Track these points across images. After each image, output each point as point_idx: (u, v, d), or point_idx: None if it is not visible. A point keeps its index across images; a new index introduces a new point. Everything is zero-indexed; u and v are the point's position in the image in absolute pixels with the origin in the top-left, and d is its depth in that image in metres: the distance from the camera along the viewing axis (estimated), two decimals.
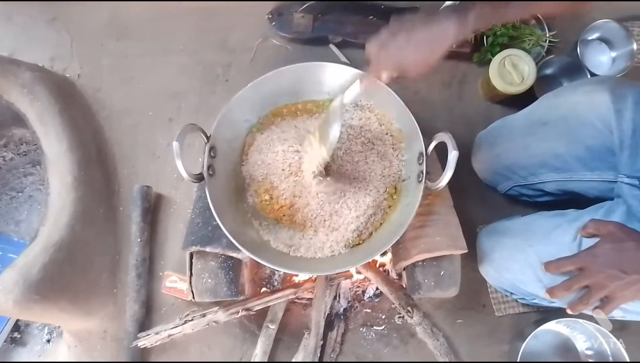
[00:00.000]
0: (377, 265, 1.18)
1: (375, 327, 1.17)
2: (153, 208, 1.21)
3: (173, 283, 1.15)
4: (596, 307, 0.76)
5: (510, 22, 1.21)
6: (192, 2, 1.35)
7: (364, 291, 1.20)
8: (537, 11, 0.71)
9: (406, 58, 0.69)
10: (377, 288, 1.17)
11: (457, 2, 0.69)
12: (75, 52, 1.34)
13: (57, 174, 1.10)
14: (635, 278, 0.69)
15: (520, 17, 0.68)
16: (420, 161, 0.84)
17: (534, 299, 0.97)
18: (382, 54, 0.70)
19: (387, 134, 0.92)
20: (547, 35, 1.27)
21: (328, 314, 1.13)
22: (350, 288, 1.20)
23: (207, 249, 0.90)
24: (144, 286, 1.15)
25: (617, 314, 0.80)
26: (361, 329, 1.16)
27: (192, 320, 1.03)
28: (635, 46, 1.24)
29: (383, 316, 1.18)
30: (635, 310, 0.79)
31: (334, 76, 0.91)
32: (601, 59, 1.31)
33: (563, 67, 1.28)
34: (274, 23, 1.30)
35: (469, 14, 0.67)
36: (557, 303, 0.85)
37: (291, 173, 0.87)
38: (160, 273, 1.18)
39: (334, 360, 1.13)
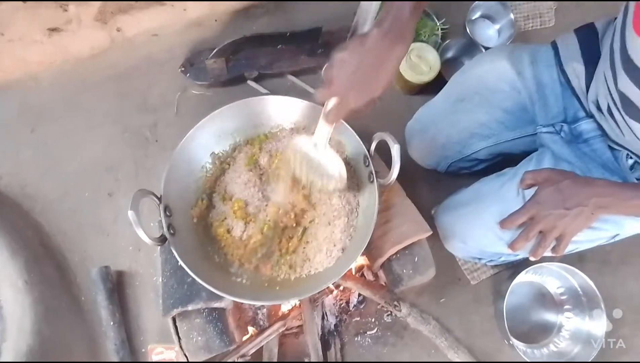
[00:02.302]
0: (354, 272, 1.21)
1: (368, 332, 1.19)
2: (117, 286, 1.16)
3: (159, 355, 1.10)
4: (553, 247, 0.84)
5: None
6: (103, 69, 1.34)
7: (347, 302, 1.22)
8: None
9: (367, 82, 0.67)
10: (359, 295, 1.20)
11: (377, 18, 0.66)
12: None
13: (6, 282, 1.03)
14: (578, 211, 0.76)
15: None
16: (367, 163, 0.89)
17: (501, 257, 1.05)
18: (342, 79, 0.68)
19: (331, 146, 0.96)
20: (438, 24, 1.40)
21: (321, 335, 1.14)
22: (334, 303, 1.22)
23: (189, 307, 0.89)
24: None
25: (572, 247, 0.88)
26: (356, 338, 1.18)
27: None
28: (512, 16, 1.41)
29: (373, 320, 1.20)
30: (585, 239, 0.88)
31: (267, 108, 0.95)
32: (489, 33, 1.46)
33: (461, 48, 1.41)
34: (188, 74, 1.32)
35: (395, 20, 0.65)
36: (520, 254, 0.92)
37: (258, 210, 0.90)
38: (144, 349, 1.13)
39: None
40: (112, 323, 1.10)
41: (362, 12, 0.68)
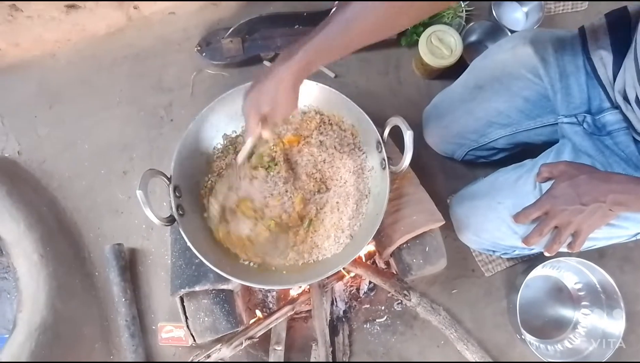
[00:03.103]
0: (364, 259, 1.20)
1: (378, 320, 1.18)
2: (129, 264, 1.18)
3: (169, 333, 1.12)
4: (569, 243, 0.80)
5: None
6: (119, 49, 1.34)
7: (358, 289, 1.22)
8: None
9: (266, 108, 0.70)
10: (370, 282, 1.19)
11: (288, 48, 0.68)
12: (9, 129, 1.29)
13: (22, 256, 1.05)
14: (595, 207, 0.73)
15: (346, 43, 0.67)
16: (380, 149, 0.87)
17: (515, 250, 1.02)
18: (252, 106, 0.71)
19: (343, 131, 0.94)
20: (463, 5, 1.35)
21: (330, 320, 1.14)
22: (344, 289, 1.21)
23: (197, 288, 0.90)
24: (140, 344, 1.12)
25: (589, 244, 0.85)
26: (365, 326, 1.18)
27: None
28: None
29: (383, 307, 1.19)
30: (603, 236, 0.84)
31: None
32: (516, 16, 1.40)
33: (485, 31, 1.35)
34: (204, 54, 1.30)
35: (297, 57, 0.66)
36: (535, 249, 0.89)
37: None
38: (154, 327, 1.15)
39: None
40: (123, 299, 1.12)
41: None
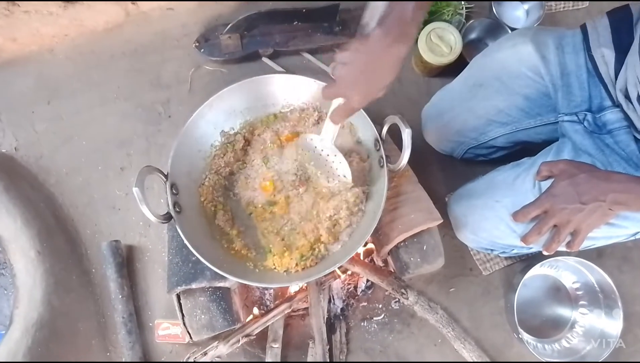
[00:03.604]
0: (362, 257, 1.20)
1: (375, 318, 1.18)
2: (126, 260, 1.17)
3: (166, 330, 1.12)
4: (568, 242, 0.80)
5: None
6: (117, 45, 1.33)
7: (355, 287, 1.21)
8: None
9: (368, 84, 0.69)
10: (367, 280, 1.18)
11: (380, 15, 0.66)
12: (6, 125, 1.28)
13: (19, 252, 1.05)
14: (595, 206, 0.73)
15: None
16: (378, 147, 0.86)
17: (514, 249, 1.02)
18: (345, 80, 0.69)
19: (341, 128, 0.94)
20: (463, 3, 1.34)
21: (327, 318, 1.14)
22: (341, 287, 1.21)
23: (193, 286, 0.89)
24: (137, 341, 1.11)
25: (588, 244, 0.84)
26: (362, 323, 1.18)
27: (194, 361, 1.01)
28: None
29: (380, 306, 1.19)
30: (602, 235, 0.83)
31: (278, 87, 0.93)
32: (516, 14, 1.39)
33: (485, 29, 1.34)
34: (202, 50, 1.30)
35: (396, 20, 0.64)
36: (534, 248, 0.89)
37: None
38: (151, 324, 1.15)
39: (344, 361, 1.13)
40: (120, 296, 1.12)
41: (370, 10, 0.68)
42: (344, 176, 0.84)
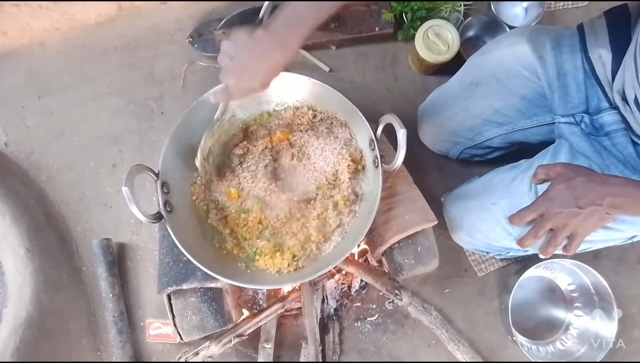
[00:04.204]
0: (356, 257, 1.19)
1: (368, 318, 1.17)
2: (117, 259, 1.16)
3: (157, 329, 1.11)
4: (564, 246, 0.79)
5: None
6: (110, 39, 1.31)
7: (349, 287, 1.20)
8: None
9: (242, 75, 0.71)
10: (361, 280, 1.17)
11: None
12: None
13: (8, 250, 1.03)
14: (592, 210, 0.72)
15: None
16: (372, 147, 0.85)
17: (509, 252, 1.01)
18: (224, 67, 0.71)
19: (336, 127, 0.93)
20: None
21: (320, 318, 1.13)
22: (335, 287, 1.20)
23: (184, 286, 0.88)
24: (127, 340, 1.10)
25: (585, 247, 0.83)
26: (356, 324, 1.17)
27: (185, 361, 1.00)
28: None
29: (374, 306, 1.18)
30: (599, 238, 0.83)
31: (271, 84, 0.91)
32: (515, 12, 1.37)
33: (483, 27, 1.33)
34: (196, 45, 1.28)
35: (281, 26, 0.66)
36: (530, 250, 0.88)
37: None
38: (142, 323, 1.14)
39: (337, 362, 1.12)
40: (111, 295, 1.10)
41: (264, 5, 0.69)
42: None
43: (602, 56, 0.81)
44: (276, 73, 0.71)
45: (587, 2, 1.38)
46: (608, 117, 0.81)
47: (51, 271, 1.07)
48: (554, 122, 0.89)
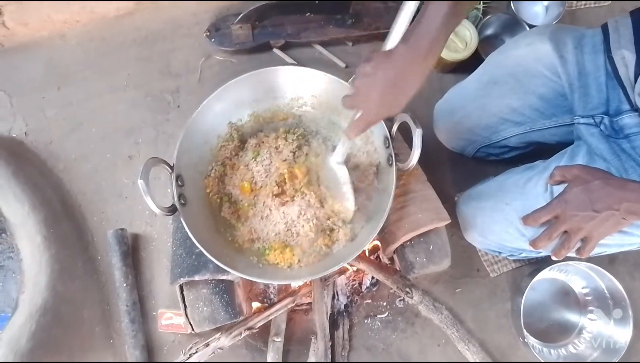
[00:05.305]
0: (368, 254, 1.19)
1: (379, 316, 1.17)
2: (132, 249, 1.18)
3: (169, 320, 1.12)
4: (578, 249, 0.78)
5: None
6: (128, 32, 1.32)
7: (360, 283, 1.20)
8: None
9: (388, 99, 0.68)
10: (372, 278, 1.17)
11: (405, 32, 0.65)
12: (17, 109, 1.29)
13: (26, 238, 1.05)
14: (607, 214, 0.70)
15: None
16: (387, 145, 0.85)
17: (522, 253, 1.00)
18: (364, 93, 0.68)
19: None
20: None
21: (331, 314, 1.13)
22: (346, 284, 1.20)
23: (196, 278, 0.89)
24: (140, 330, 1.12)
25: (599, 250, 0.82)
26: (366, 321, 1.17)
27: (196, 352, 1.01)
28: None
29: (384, 303, 1.18)
30: (614, 243, 0.81)
31: (287, 79, 0.92)
32: (535, 10, 1.35)
33: (502, 25, 1.31)
34: (213, 39, 1.28)
35: (421, 36, 0.64)
36: (543, 252, 0.87)
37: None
38: (154, 313, 1.15)
39: (346, 358, 1.13)
40: (125, 284, 1.12)
41: (403, 13, 0.67)
42: (347, 201, 0.85)
43: (625, 56, 0.79)
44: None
45: (609, 2, 1.35)
46: (628, 120, 0.79)
47: (67, 260, 1.09)
48: (573, 123, 0.88)
